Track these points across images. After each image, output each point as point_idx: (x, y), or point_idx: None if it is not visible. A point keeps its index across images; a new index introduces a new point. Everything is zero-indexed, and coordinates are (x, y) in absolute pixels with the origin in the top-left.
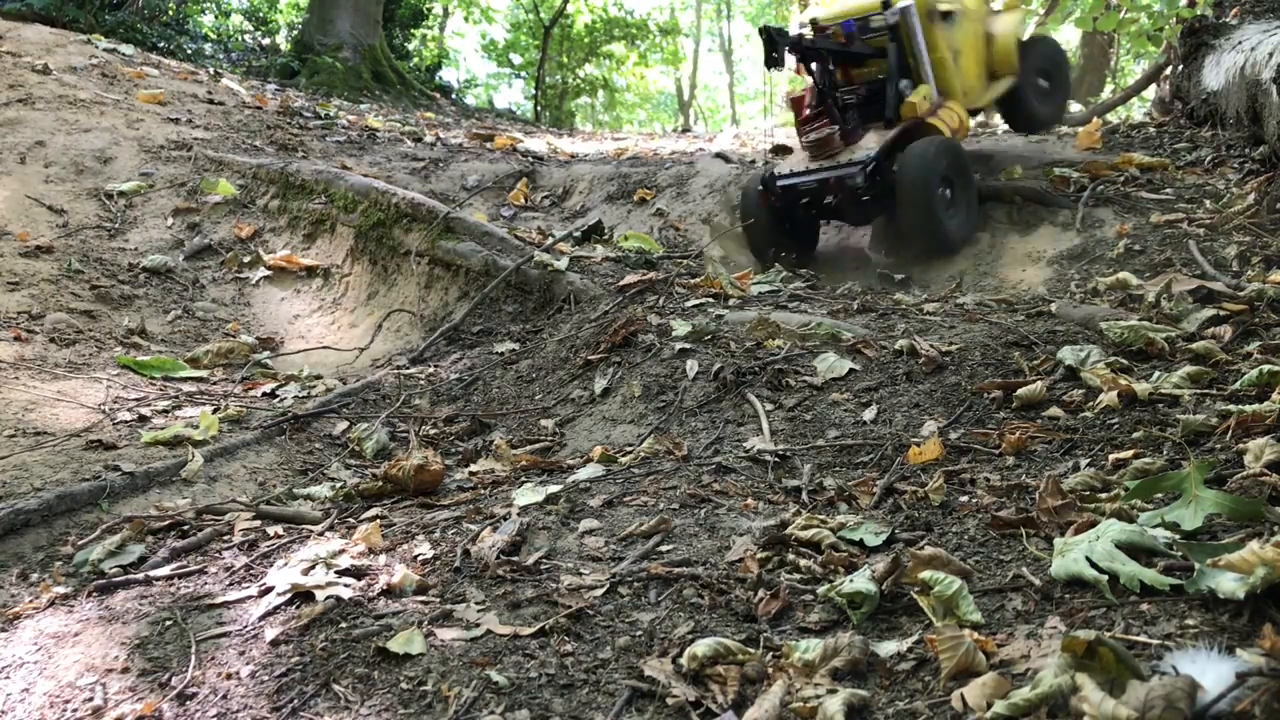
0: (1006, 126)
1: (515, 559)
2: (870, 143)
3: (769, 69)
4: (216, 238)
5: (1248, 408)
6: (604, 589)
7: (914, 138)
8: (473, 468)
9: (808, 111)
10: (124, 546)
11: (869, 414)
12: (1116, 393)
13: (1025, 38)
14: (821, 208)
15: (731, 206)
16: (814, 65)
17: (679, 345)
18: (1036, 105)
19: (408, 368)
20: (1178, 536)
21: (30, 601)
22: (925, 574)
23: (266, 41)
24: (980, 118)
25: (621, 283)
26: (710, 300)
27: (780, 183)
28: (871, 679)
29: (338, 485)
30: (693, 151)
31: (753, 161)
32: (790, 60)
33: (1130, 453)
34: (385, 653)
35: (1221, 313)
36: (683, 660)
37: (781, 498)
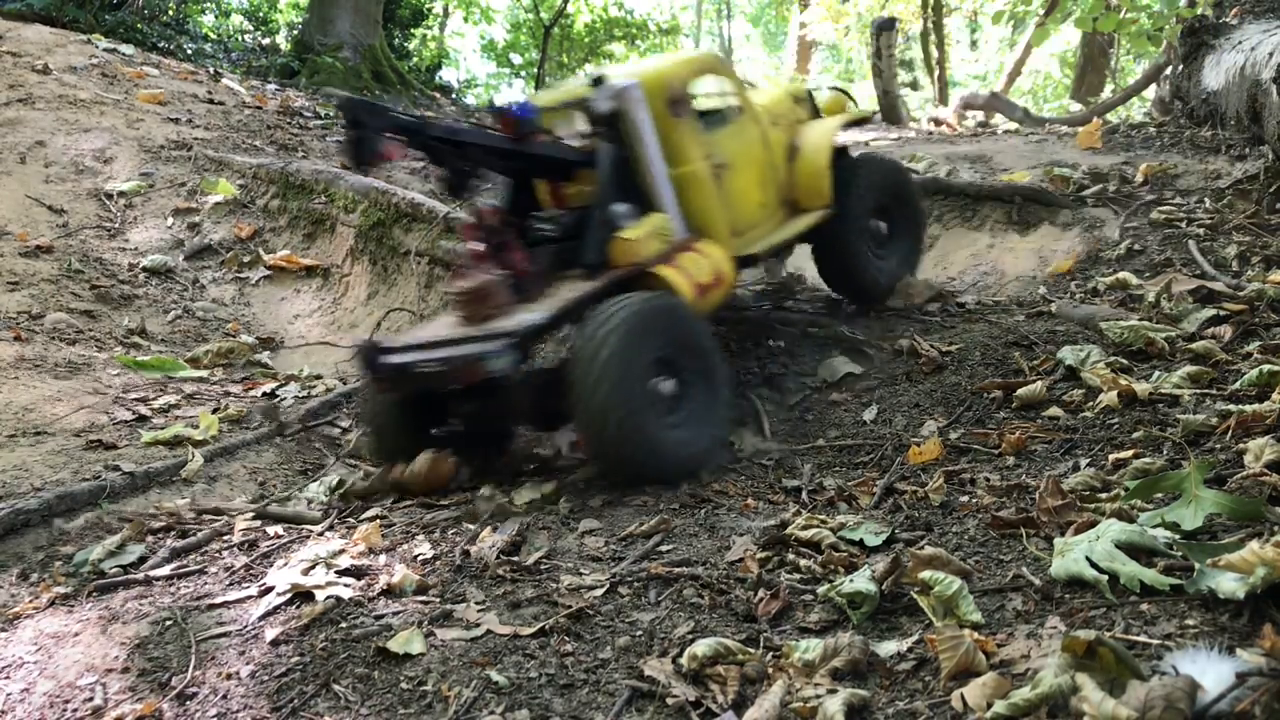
0: (1008, 126)
1: (515, 559)
2: (552, 301)
3: (355, 166)
4: (216, 238)
5: (1248, 408)
6: (604, 589)
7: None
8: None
9: (477, 247)
10: (124, 546)
11: (869, 414)
12: (1116, 393)
13: (854, 153)
14: (484, 400)
15: None
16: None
17: None
18: (868, 259)
19: None
20: (1178, 536)
21: (30, 601)
22: (925, 574)
23: (266, 41)
24: (981, 116)
25: None
26: None
27: (388, 360)
28: (871, 679)
29: (333, 485)
30: None
31: None
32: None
33: (1130, 453)
34: (385, 653)
35: (1221, 313)
36: (683, 660)
37: (781, 498)
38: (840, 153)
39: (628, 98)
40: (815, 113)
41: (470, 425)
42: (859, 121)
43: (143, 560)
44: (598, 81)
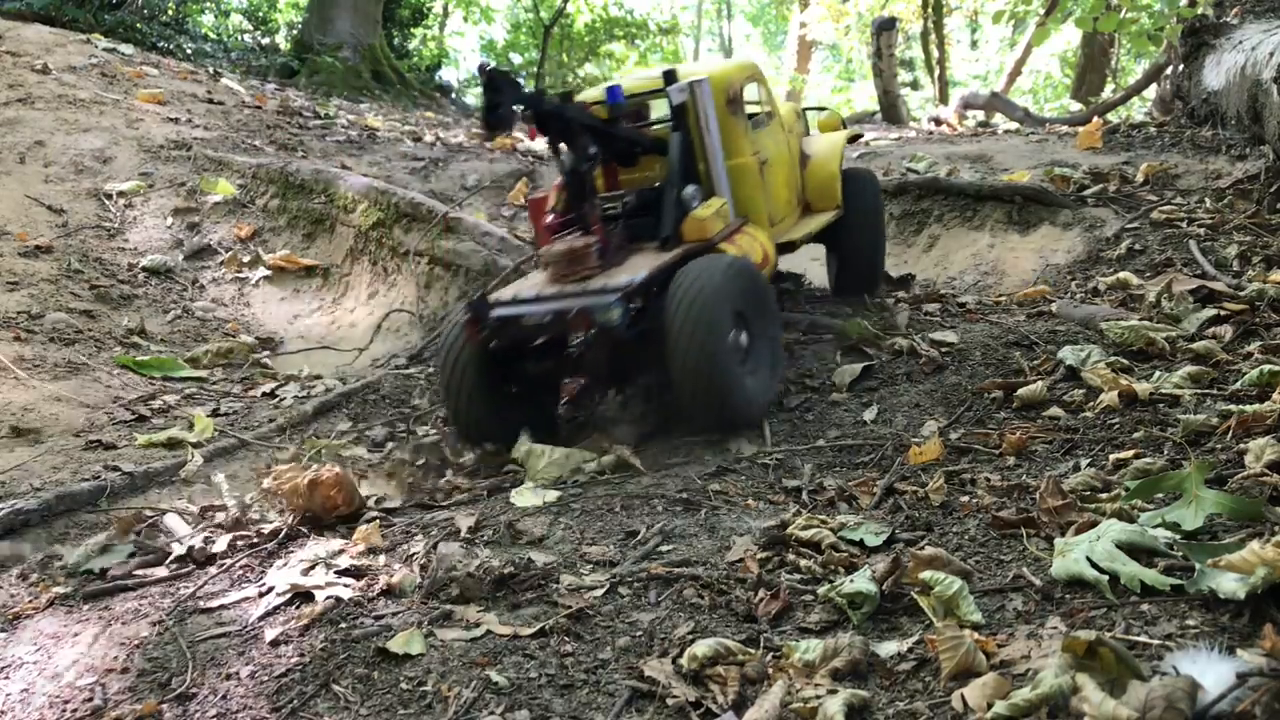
0: (1008, 126)
1: (515, 559)
2: (638, 266)
3: (488, 130)
4: (216, 237)
5: (1248, 408)
6: (604, 589)
7: None
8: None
9: (550, 219)
10: (110, 546)
11: (869, 414)
12: (1117, 393)
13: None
14: (560, 359)
15: None
16: (564, 148)
17: None
18: (881, 256)
19: (407, 367)
20: (1178, 536)
21: (30, 601)
22: (925, 574)
23: (266, 41)
24: (982, 116)
25: None
26: None
27: (498, 313)
28: (871, 679)
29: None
30: None
31: None
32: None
33: (1131, 453)
34: (385, 653)
35: (1222, 313)
36: (683, 660)
37: (782, 498)
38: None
39: (700, 92)
40: (807, 128)
41: (544, 382)
42: (853, 139)
43: (142, 561)
44: (669, 76)
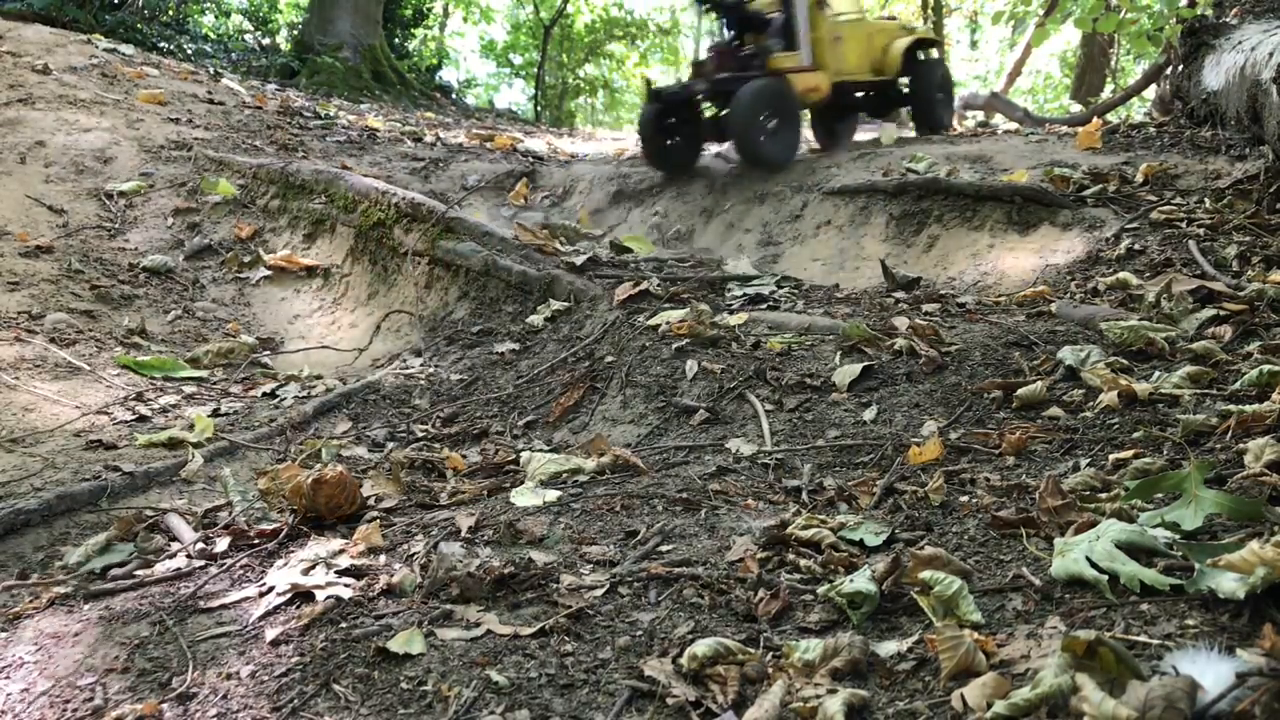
0: (1008, 126)
1: (515, 559)
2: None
3: (699, 4)
4: (216, 238)
5: (1248, 408)
6: (604, 589)
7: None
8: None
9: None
10: (110, 546)
11: (869, 414)
12: (1116, 393)
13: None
14: (695, 119)
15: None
16: (716, 20)
17: (676, 345)
18: (936, 103)
19: (408, 367)
20: (1178, 536)
21: (30, 601)
22: (925, 574)
23: (266, 41)
24: (982, 116)
25: (619, 289)
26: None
27: (671, 88)
28: (871, 679)
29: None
30: None
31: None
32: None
33: (1130, 453)
34: (385, 653)
35: (1221, 313)
36: (683, 660)
37: (781, 498)
38: (912, 51)
39: None
40: (910, 33)
41: (687, 137)
42: (927, 41)
43: (142, 560)
44: None
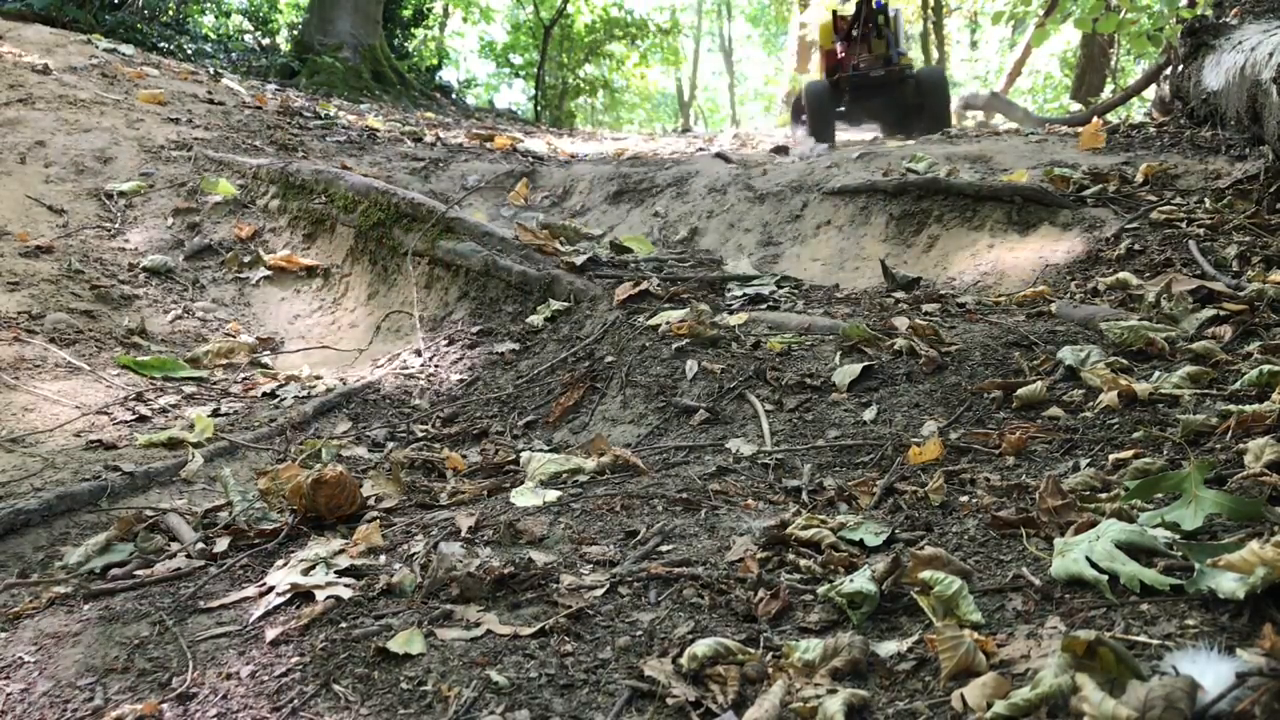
0: (1008, 126)
1: (515, 559)
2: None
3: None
4: (216, 238)
5: (1248, 408)
6: (604, 589)
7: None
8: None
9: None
10: (110, 546)
11: (869, 414)
12: (1116, 393)
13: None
14: (859, 99)
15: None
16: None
17: (676, 345)
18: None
19: (408, 367)
20: (1178, 536)
21: (30, 601)
22: (925, 574)
23: (266, 41)
24: (982, 116)
25: (619, 289)
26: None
27: (845, 72)
28: (871, 679)
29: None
30: (692, 152)
31: (756, 162)
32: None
33: (1130, 453)
34: (385, 653)
35: (1221, 313)
36: (683, 660)
37: (781, 498)
38: None
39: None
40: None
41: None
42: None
43: (142, 561)
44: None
